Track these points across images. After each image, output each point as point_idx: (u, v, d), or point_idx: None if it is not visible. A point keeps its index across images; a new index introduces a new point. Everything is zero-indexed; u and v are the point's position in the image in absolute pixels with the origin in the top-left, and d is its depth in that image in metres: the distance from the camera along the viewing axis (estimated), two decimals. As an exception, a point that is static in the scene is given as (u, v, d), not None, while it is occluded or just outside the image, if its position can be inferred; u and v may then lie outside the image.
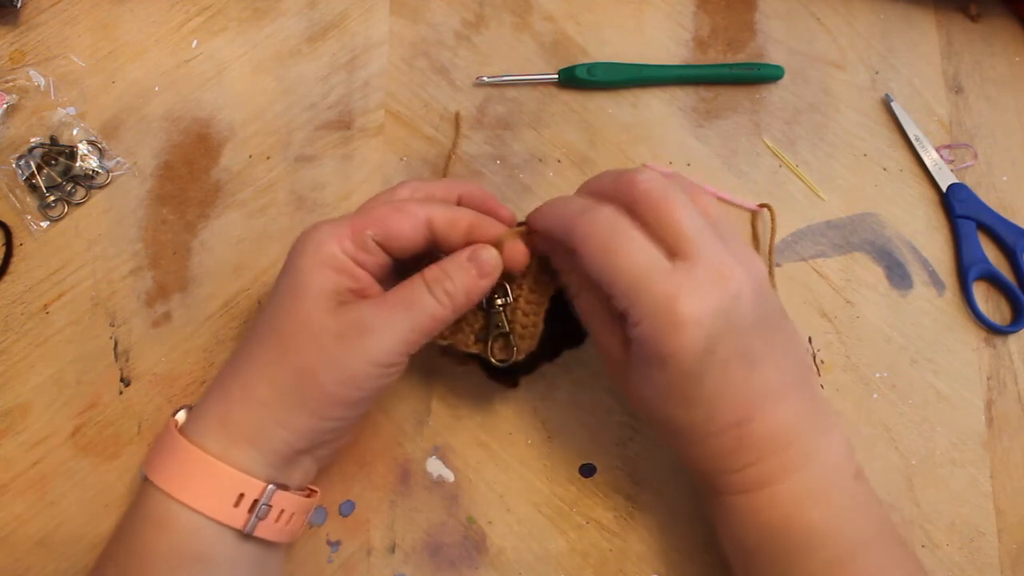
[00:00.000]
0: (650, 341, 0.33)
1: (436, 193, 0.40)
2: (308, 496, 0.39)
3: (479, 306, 0.40)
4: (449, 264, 0.37)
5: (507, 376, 0.43)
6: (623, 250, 0.33)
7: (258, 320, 0.38)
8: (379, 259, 0.38)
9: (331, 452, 0.40)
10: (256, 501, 0.36)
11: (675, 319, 0.32)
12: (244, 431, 0.36)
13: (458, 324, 0.40)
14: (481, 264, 0.37)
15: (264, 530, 0.36)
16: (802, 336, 0.39)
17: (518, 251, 0.38)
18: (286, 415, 0.36)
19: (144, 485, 0.37)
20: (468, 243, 0.38)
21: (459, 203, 0.40)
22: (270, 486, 0.36)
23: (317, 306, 0.36)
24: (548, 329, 0.40)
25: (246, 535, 0.36)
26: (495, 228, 0.39)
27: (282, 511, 0.37)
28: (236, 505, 0.35)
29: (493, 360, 0.40)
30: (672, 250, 0.33)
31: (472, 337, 0.40)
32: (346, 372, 0.35)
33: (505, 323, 0.40)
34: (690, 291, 0.32)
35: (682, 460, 0.39)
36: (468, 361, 0.42)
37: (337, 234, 0.37)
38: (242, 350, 0.38)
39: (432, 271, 0.37)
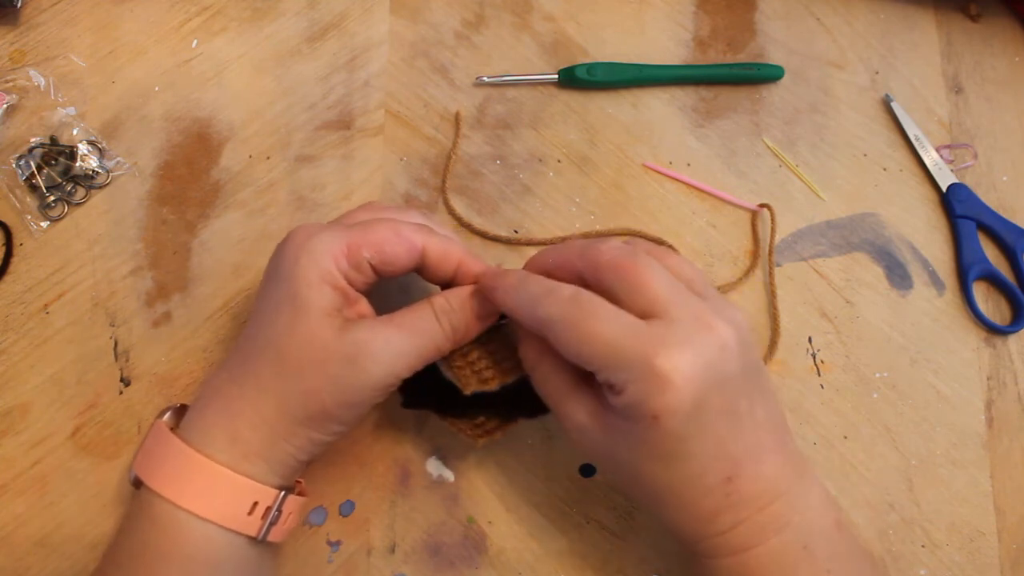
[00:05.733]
0: (636, 404, 0.32)
1: (448, 253, 0.39)
2: (301, 493, 0.40)
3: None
4: (455, 299, 0.38)
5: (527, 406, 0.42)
6: (592, 322, 0.32)
7: (255, 329, 0.37)
8: (368, 279, 0.37)
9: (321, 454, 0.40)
10: (268, 508, 0.36)
11: (661, 378, 0.31)
12: (254, 447, 0.36)
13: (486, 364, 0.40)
14: (482, 306, 0.38)
15: (272, 533, 0.37)
16: (776, 390, 0.38)
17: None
18: (292, 431, 0.36)
19: (145, 492, 0.36)
20: (455, 278, 0.39)
21: (456, 271, 0.39)
22: (282, 493, 0.37)
23: (321, 325, 0.35)
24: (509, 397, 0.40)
25: (257, 540, 0.36)
26: (482, 268, 0.39)
27: (289, 513, 0.38)
28: (250, 513, 0.36)
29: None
30: (645, 312, 0.32)
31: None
32: (347, 394, 0.36)
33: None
34: (672, 346, 0.31)
35: (665, 525, 0.36)
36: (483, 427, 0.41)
37: (333, 250, 0.36)
38: (242, 362, 0.37)
39: (440, 302, 0.38)
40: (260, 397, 0.36)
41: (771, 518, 0.34)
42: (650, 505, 0.36)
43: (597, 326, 0.32)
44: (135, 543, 0.36)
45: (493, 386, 0.38)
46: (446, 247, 0.38)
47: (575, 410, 0.35)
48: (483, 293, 0.38)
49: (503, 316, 0.39)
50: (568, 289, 0.34)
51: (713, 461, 0.33)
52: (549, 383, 0.37)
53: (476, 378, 0.39)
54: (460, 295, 0.38)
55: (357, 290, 0.38)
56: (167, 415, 0.39)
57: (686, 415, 0.31)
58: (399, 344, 0.36)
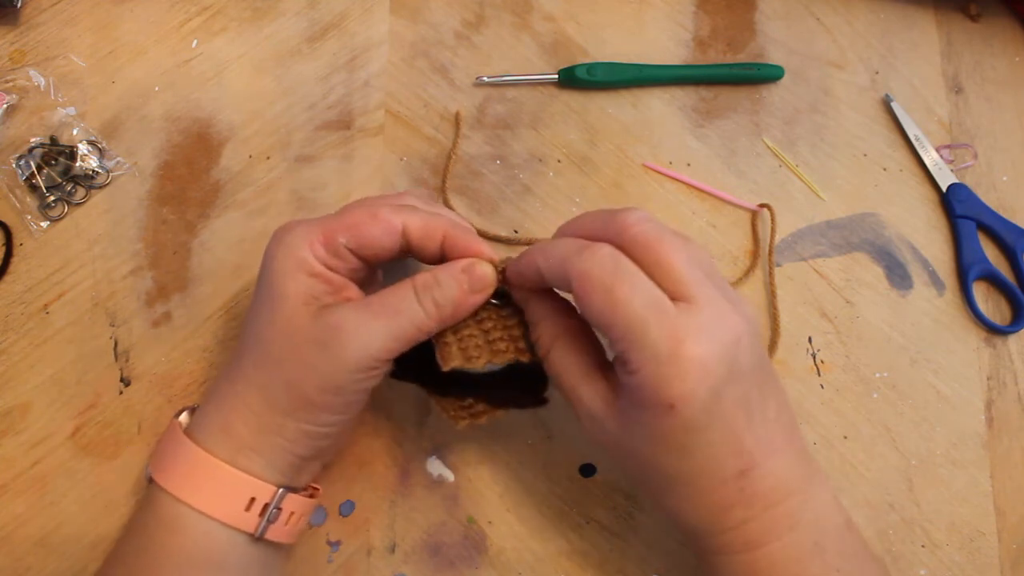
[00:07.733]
0: (652, 388, 0.31)
1: (429, 227, 0.37)
2: (312, 496, 0.40)
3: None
4: (442, 273, 0.36)
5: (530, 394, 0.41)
6: (626, 288, 0.31)
7: (245, 326, 0.38)
8: (352, 264, 0.37)
9: (333, 451, 0.40)
10: (267, 505, 0.36)
11: (682, 364, 0.30)
12: (246, 440, 0.36)
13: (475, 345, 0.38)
14: (475, 279, 0.36)
15: (273, 532, 0.37)
16: (784, 388, 0.38)
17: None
18: (280, 423, 0.36)
19: (152, 488, 0.37)
20: (443, 253, 0.37)
21: (443, 243, 0.37)
22: (280, 490, 0.36)
23: (296, 312, 0.35)
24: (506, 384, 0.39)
25: (256, 538, 0.36)
26: (470, 239, 0.37)
27: (291, 513, 0.38)
28: (247, 509, 0.36)
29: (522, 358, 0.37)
30: (672, 294, 0.32)
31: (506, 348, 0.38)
32: (326, 380, 0.35)
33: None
34: (695, 334, 0.31)
35: (674, 519, 0.36)
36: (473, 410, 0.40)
37: (309, 239, 0.35)
38: (235, 359, 0.38)
39: (423, 278, 0.36)
40: (247, 390, 0.36)
41: (783, 515, 0.34)
42: (660, 496, 0.35)
43: (629, 293, 0.31)
44: (139, 537, 0.36)
45: (478, 365, 0.36)
46: (427, 223, 0.36)
47: (589, 396, 0.34)
48: (473, 267, 0.36)
49: (499, 294, 0.38)
50: (606, 248, 0.33)
51: (728, 454, 0.33)
52: (563, 366, 0.35)
53: (461, 355, 0.36)
54: (448, 269, 0.36)
55: (344, 276, 0.37)
56: (183, 414, 0.39)
57: (703, 405, 0.31)
58: (373, 325, 0.34)
